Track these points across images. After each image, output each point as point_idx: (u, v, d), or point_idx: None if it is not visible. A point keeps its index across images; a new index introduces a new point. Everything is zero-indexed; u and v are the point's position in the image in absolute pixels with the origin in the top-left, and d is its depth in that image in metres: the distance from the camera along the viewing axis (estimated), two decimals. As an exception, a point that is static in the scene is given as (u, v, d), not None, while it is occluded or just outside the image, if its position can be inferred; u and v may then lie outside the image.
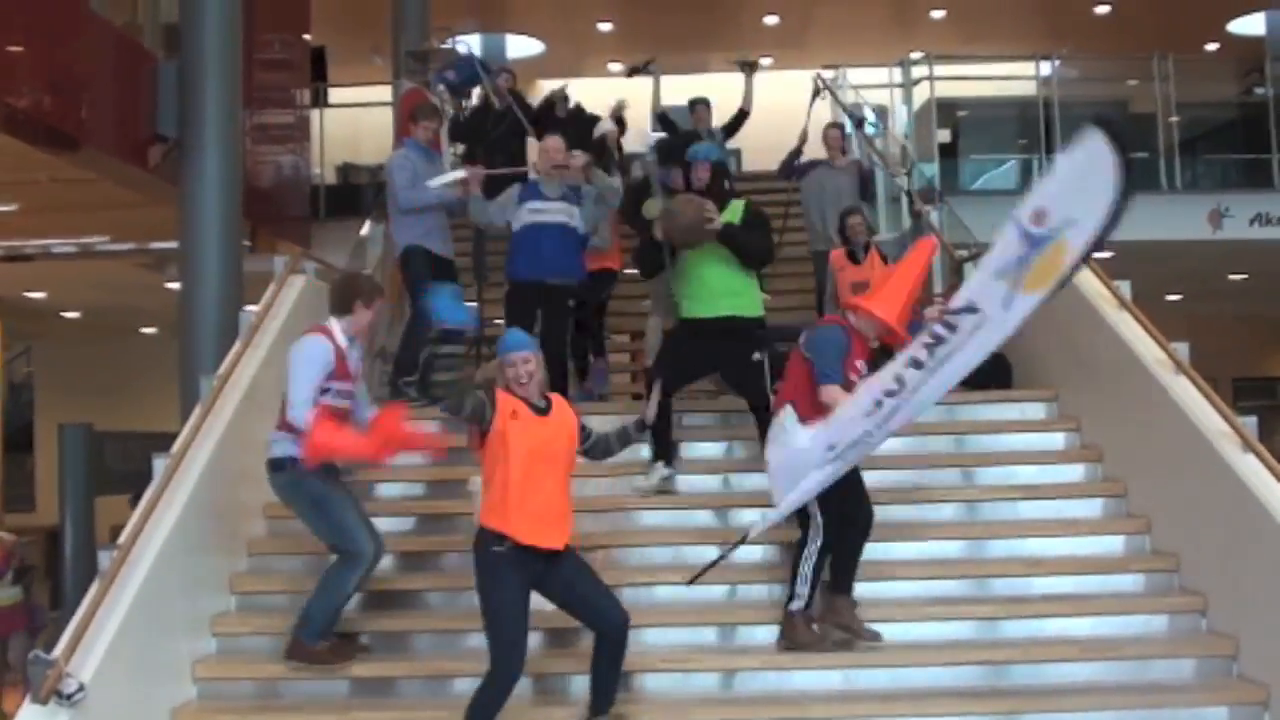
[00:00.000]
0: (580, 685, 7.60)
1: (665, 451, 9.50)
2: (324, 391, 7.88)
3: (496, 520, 6.97)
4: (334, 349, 7.95)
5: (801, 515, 8.07)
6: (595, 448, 7.64)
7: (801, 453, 7.68)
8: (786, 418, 7.86)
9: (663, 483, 9.43)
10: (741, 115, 13.94)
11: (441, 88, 13.78)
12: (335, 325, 8.07)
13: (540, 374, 7.19)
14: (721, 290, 9.26)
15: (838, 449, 7.45)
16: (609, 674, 7.22)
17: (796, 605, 8.14)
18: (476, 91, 14.01)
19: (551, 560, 7.07)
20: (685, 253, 9.21)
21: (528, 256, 10.13)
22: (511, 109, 13.23)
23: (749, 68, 14.13)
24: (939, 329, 7.04)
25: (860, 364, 8.04)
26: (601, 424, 8.04)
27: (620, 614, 7.18)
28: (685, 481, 9.73)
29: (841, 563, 8.24)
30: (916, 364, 7.10)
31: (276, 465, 8.09)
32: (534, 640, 7.12)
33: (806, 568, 8.09)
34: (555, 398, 7.36)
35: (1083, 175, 6.46)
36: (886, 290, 8.10)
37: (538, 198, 10.25)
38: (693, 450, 9.96)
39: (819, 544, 8.06)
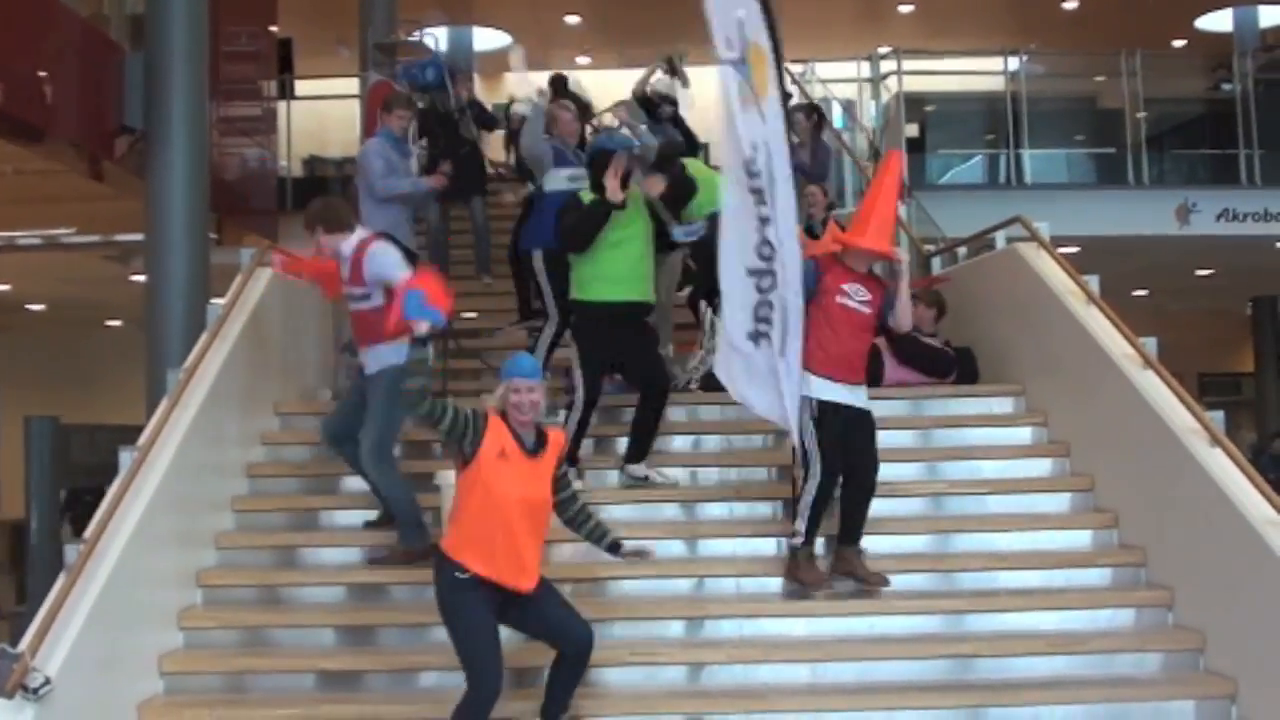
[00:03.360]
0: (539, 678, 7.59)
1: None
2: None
3: (463, 555, 6.80)
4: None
5: (803, 457, 8.25)
6: (569, 509, 7.31)
7: (736, 353, 8.09)
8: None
9: (635, 483, 9.42)
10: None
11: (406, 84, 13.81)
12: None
13: (543, 406, 7.00)
14: (630, 276, 9.27)
15: (751, 322, 7.99)
16: (566, 686, 7.14)
17: (795, 542, 8.35)
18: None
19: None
20: (607, 230, 9.17)
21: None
22: (465, 115, 13.36)
23: (669, 67, 13.97)
24: (752, 181, 7.82)
25: (847, 286, 8.29)
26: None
27: (585, 632, 7.05)
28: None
29: (845, 514, 8.41)
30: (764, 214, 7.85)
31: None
32: (506, 633, 7.06)
33: (804, 504, 8.25)
34: (551, 433, 7.13)
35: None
36: (873, 222, 8.30)
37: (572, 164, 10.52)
38: (660, 443, 9.92)
39: (816, 482, 8.21)
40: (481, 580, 6.78)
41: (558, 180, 10.50)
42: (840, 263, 8.36)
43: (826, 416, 8.29)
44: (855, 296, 8.30)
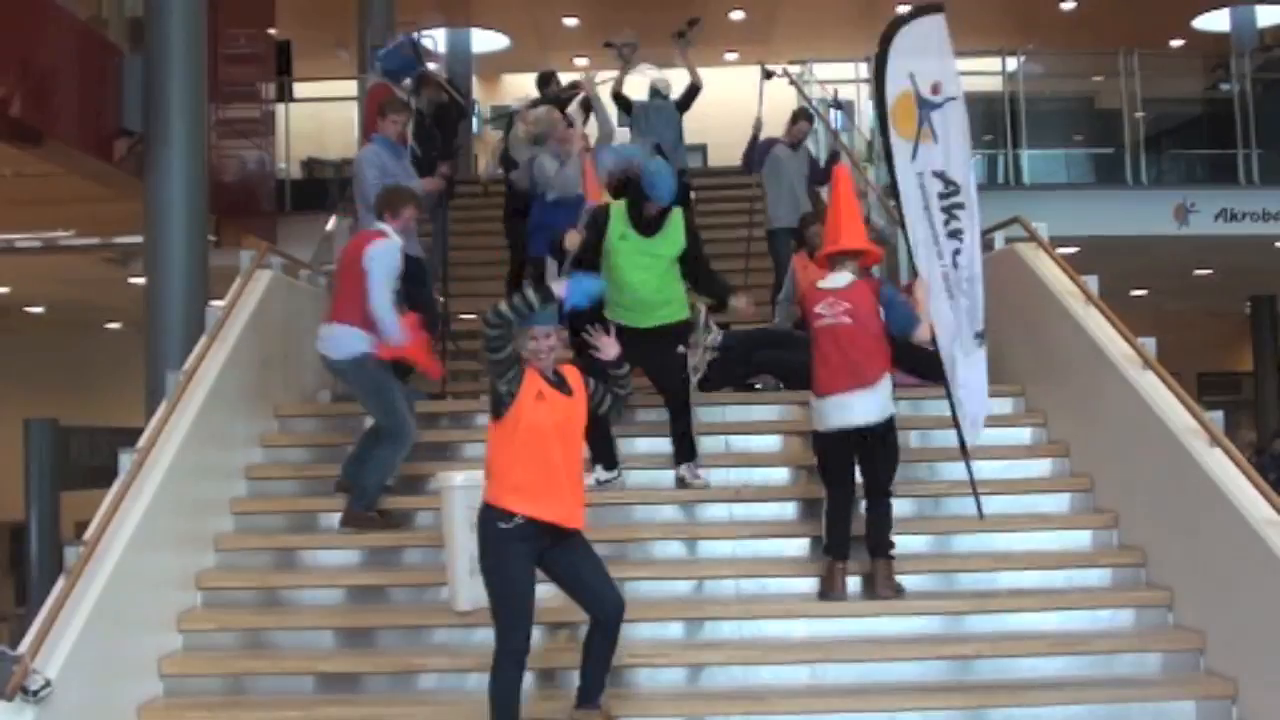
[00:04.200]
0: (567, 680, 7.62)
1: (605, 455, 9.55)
2: (395, 293, 9.16)
3: (512, 499, 6.87)
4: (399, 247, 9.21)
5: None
6: (600, 405, 7.50)
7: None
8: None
9: (599, 486, 9.43)
10: (694, 90, 13.89)
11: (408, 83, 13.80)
12: (388, 227, 9.31)
13: (558, 349, 7.18)
14: (655, 302, 9.29)
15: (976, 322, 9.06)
16: (600, 664, 7.16)
17: (823, 553, 8.63)
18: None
19: (560, 538, 6.98)
20: (617, 259, 9.22)
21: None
22: (451, 98, 13.37)
23: (681, 38, 14.05)
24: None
25: (819, 308, 8.54)
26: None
27: (616, 597, 7.08)
28: (650, 476, 9.75)
29: (868, 526, 8.54)
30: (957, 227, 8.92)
31: (355, 358, 9.17)
32: (535, 633, 7.07)
33: (823, 516, 8.69)
34: (568, 369, 7.26)
35: (922, 40, 8.89)
36: (842, 228, 8.67)
37: None
38: (657, 445, 9.93)
39: (827, 494, 8.56)
40: (524, 530, 6.85)
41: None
42: (813, 289, 8.62)
43: (831, 444, 8.49)
44: (830, 311, 8.41)
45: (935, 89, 8.87)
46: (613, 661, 7.26)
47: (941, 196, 8.82)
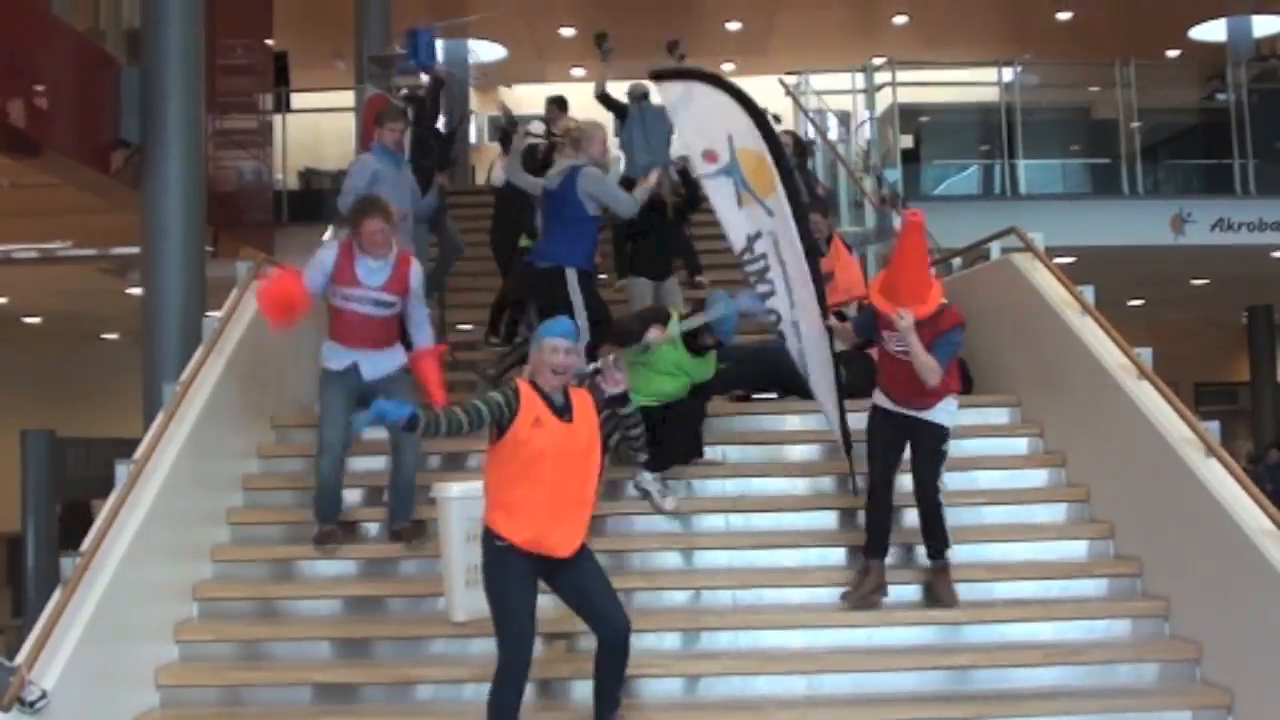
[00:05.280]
0: (581, 690, 7.61)
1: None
2: (334, 295, 8.90)
3: (501, 521, 6.84)
4: (337, 255, 8.86)
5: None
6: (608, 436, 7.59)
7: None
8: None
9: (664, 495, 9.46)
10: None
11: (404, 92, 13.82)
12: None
13: (576, 364, 7.08)
14: (672, 392, 9.41)
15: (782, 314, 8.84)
16: (611, 681, 7.14)
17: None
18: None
19: (564, 558, 6.97)
20: (653, 358, 9.28)
21: None
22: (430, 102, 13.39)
23: (602, 49, 14.02)
24: (753, 267, 8.76)
25: (886, 333, 8.42)
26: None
27: (622, 620, 7.05)
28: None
29: (923, 530, 8.54)
30: (766, 290, 8.75)
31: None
32: (535, 645, 7.07)
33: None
34: (577, 394, 7.15)
35: (696, 113, 8.31)
36: (890, 287, 8.32)
37: None
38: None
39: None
40: (519, 548, 6.82)
41: None
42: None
43: (876, 422, 8.58)
44: (892, 345, 8.39)
45: (711, 157, 8.67)
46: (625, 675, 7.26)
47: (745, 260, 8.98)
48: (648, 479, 9.29)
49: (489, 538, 6.90)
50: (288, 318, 8.88)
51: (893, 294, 8.22)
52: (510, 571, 6.84)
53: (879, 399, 8.59)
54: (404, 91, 13.81)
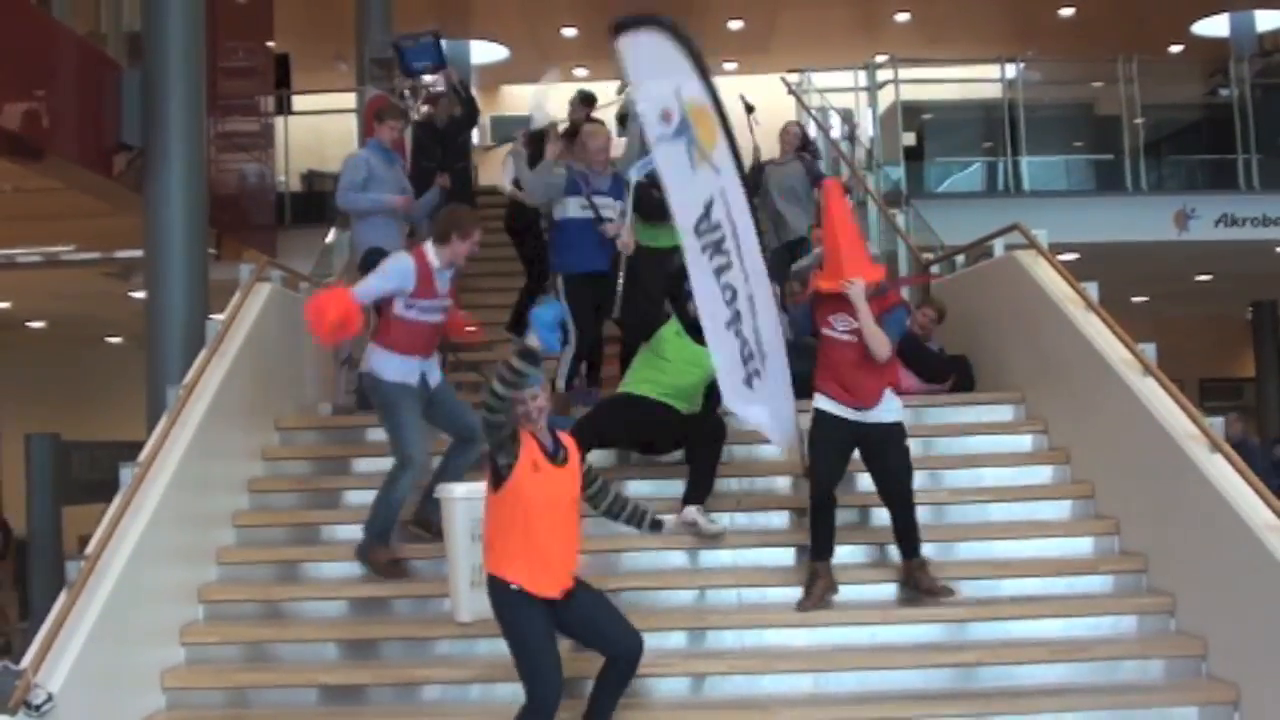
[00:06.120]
0: (585, 689, 7.55)
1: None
2: (409, 308, 8.73)
3: (507, 568, 6.90)
4: (417, 269, 8.69)
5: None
6: (602, 501, 7.56)
7: (740, 398, 8.74)
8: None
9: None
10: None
11: (408, 93, 13.80)
12: (430, 250, 8.79)
13: (548, 406, 7.19)
14: (687, 386, 9.37)
15: (742, 368, 8.56)
16: (613, 694, 7.16)
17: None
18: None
19: (564, 598, 7.01)
20: (668, 352, 9.37)
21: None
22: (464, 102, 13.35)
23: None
24: (705, 239, 8.28)
25: (832, 318, 8.43)
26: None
27: (636, 640, 7.09)
28: (652, 487, 9.70)
29: (901, 530, 8.51)
30: (723, 262, 8.28)
31: (367, 374, 8.92)
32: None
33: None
34: (564, 438, 7.27)
35: (651, 69, 8.02)
36: (829, 261, 8.49)
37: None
38: (654, 460, 9.93)
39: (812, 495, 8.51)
40: (530, 592, 6.87)
41: (570, 208, 10.69)
42: (829, 297, 8.44)
43: (823, 429, 8.43)
44: (838, 326, 8.40)
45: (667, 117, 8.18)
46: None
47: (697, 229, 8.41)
48: (692, 512, 9.08)
49: (498, 586, 6.94)
50: (336, 338, 8.98)
51: (835, 270, 8.34)
52: (525, 611, 6.89)
53: (823, 403, 8.47)
54: (422, 92, 13.80)
